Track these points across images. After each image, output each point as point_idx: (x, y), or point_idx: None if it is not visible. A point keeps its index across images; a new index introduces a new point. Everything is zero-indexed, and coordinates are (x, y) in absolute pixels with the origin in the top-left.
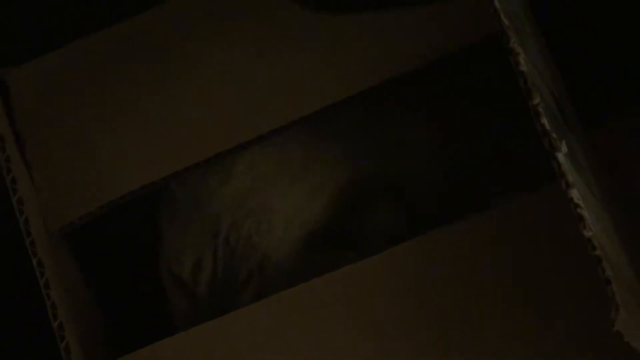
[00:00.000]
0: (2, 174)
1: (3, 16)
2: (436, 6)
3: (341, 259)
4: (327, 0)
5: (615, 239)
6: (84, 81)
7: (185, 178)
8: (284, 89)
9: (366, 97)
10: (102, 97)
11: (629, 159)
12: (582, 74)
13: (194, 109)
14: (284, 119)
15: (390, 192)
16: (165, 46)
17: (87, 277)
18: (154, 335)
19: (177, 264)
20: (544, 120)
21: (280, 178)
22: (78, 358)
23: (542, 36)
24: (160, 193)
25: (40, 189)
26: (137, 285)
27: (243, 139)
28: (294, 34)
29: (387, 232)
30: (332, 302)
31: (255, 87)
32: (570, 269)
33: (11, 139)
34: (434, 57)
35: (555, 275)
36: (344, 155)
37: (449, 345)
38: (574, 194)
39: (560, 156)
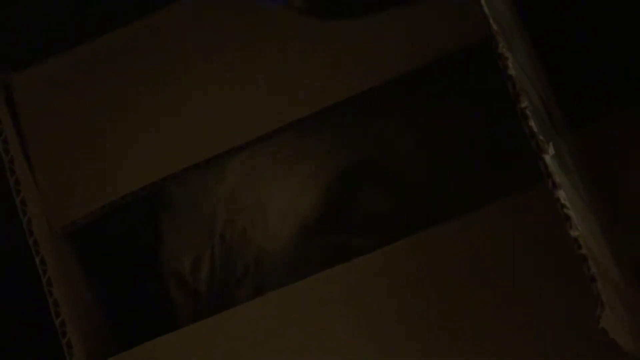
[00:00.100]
0: (6, 175)
1: (7, 20)
2: (436, 7)
3: (337, 244)
4: (325, 7)
5: (602, 240)
6: (86, 84)
7: (183, 179)
8: (281, 91)
9: (363, 97)
10: (103, 100)
11: (615, 160)
12: (570, 77)
13: (193, 111)
14: (281, 120)
15: (380, 176)
16: (166, 50)
17: (89, 275)
18: (155, 332)
19: (177, 262)
20: (532, 123)
21: (273, 173)
22: (80, 354)
23: (530, 40)
24: (159, 193)
25: (43, 190)
26: (139, 283)
27: (240, 140)
28: (292, 37)
29: (380, 213)
30: (331, 299)
31: (254, 89)
32: (562, 267)
33: (15, 140)
34: (434, 58)
35: (550, 273)
36: (335, 148)
37: (447, 344)
38: (561, 194)
39: (547, 158)
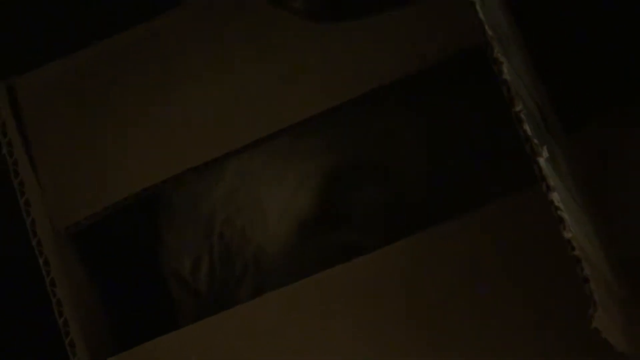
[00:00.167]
0: (11, 177)
1: (12, 25)
2: (436, 10)
3: (335, 241)
4: (325, 9)
5: (595, 242)
6: (88, 87)
7: (183, 181)
8: (280, 93)
9: (362, 99)
10: (105, 103)
11: (609, 162)
12: (565, 81)
13: (192, 114)
14: (280, 123)
15: (378, 174)
16: (166, 54)
17: (91, 275)
18: (156, 332)
19: (177, 263)
20: (526, 127)
21: (270, 173)
22: (82, 353)
23: (525, 45)
24: (160, 195)
25: (46, 191)
26: (140, 284)
27: (239, 143)
28: (292, 40)
29: (378, 210)
30: (331, 299)
31: (252, 92)
32: (561, 267)
33: (19, 143)
34: (434, 59)
35: (549, 273)
36: (332, 146)
37: (447, 344)
38: (555, 197)
39: (542, 161)
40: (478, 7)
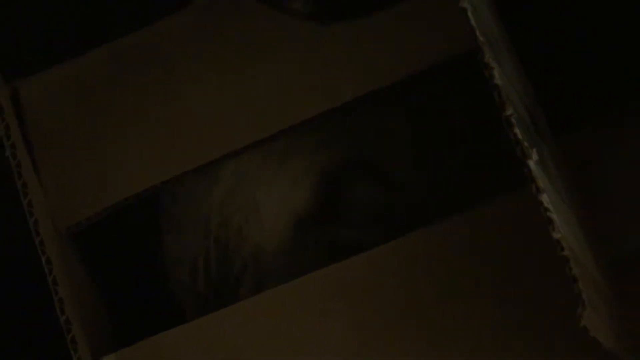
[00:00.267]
0: (14, 179)
1: (15, 29)
2: (433, 13)
3: (330, 236)
4: (325, 10)
5: (584, 242)
6: (89, 91)
7: (181, 182)
8: (275, 98)
9: (358, 101)
10: (106, 106)
11: (596, 164)
12: (554, 86)
13: (191, 117)
14: (274, 127)
15: (370, 170)
16: (166, 59)
17: (92, 274)
18: (157, 329)
19: (177, 265)
20: (517, 130)
21: (264, 173)
22: (84, 350)
23: (515, 50)
24: (159, 197)
25: (48, 192)
26: (140, 283)
27: (234, 146)
28: (287, 45)
29: (369, 205)
30: (330, 297)
31: (248, 96)
32: (549, 267)
33: (22, 146)
34: (432, 61)
35: (545, 272)
36: (325, 144)
37: (443, 342)
38: (544, 198)
39: (531, 163)
40: (470, 14)
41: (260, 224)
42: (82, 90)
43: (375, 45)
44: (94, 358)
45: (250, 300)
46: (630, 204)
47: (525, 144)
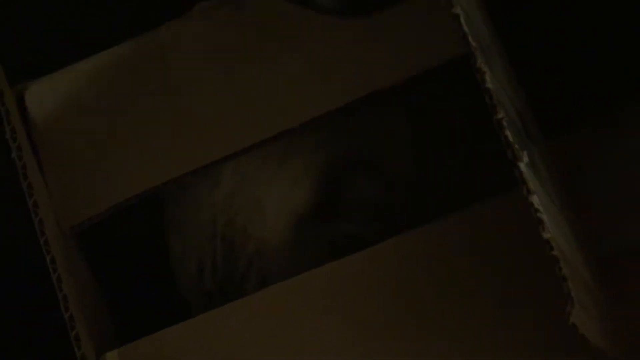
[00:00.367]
0: (20, 180)
1: (21, 33)
2: (438, 11)
3: (329, 231)
4: (346, 5)
5: (573, 242)
6: (93, 94)
7: (183, 184)
8: (274, 100)
9: (357, 103)
10: (109, 108)
11: (584, 166)
12: (544, 89)
13: (193, 119)
14: (273, 129)
15: (367, 167)
16: (168, 62)
17: (96, 273)
18: (160, 327)
19: (184, 266)
20: (507, 133)
21: (264, 174)
22: (87, 346)
23: (507, 54)
24: (162, 197)
25: (53, 193)
26: (143, 281)
27: (236, 147)
28: (286, 48)
29: (367, 199)
30: (330, 294)
31: (248, 99)
32: (549, 267)
33: (28, 147)
34: (430, 63)
35: (528, 272)
36: (323, 143)
37: (441, 339)
38: (534, 199)
39: (522, 165)
40: (462, 20)
41: (263, 222)
42: (86, 94)
43: (375, 46)
44: (97, 355)
45: (252, 298)
46: (619, 205)
47: (516, 146)
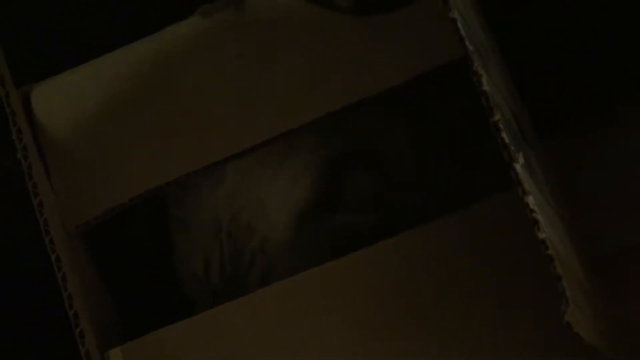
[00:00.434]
0: (25, 180)
1: (27, 36)
2: (438, 13)
3: (330, 224)
4: (361, 3)
5: (568, 242)
6: (97, 95)
7: (186, 184)
8: (274, 102)
9: (357, 104)
10: (113, 109)
11: (578, 166)
12: (539, 91)
13: (195, 120)
14: (273, 130)
15: (367, 161)
16: (171, 65)
17: (100, 271)
18: (164, 324)
19: (190, 264)
20: (504, 135)
21: (266, 172)
22: (91, 343)
23: (503, 58)
24: (165, 197)
25: (58, 193)
26: (147, 279)
27: (238, 148)
28: (286, 51)
29: (369, 192)
30: (330, 294)
31: (251, 99)
32: (539, 267)
33: (33, 148)
34: (430, 65)
35: (524, 271)
36: (321, 141)
37: (444, 342)
38: (530, 200)
39: (518, 167)
40: (459, 24)
41: (267, 218)
42: (90, 95)
43: (375, 48)
44: (101, 351)
45: (254, 296)
46: (614, 204)
47: (512, 148)
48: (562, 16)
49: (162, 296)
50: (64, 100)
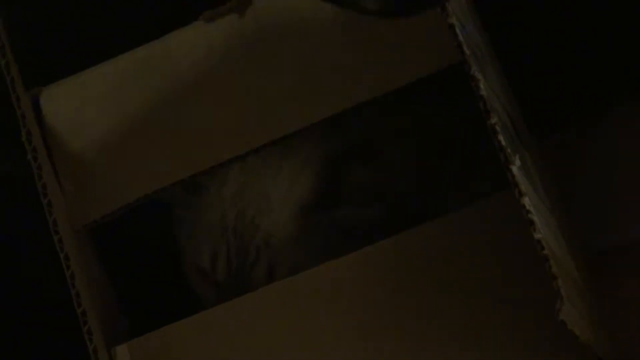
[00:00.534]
0: (35, 181)
1: (37, 40)
2: (430, 28)
3: (330, 217)
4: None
5: (563, 242)
6: (103, 98)
7: (191, 184)
8: (279, 104)
9: (356, 107)
10: (119, 112)
11: (573, 167)
12: (534, 94)
13: (200, 124)
14: (274, 133)
15: (365, 157)
16: (178, 70)
17: (107, 269)
18: (169, 320)
19: (197, 259)
20: (500, 137)
21: (268, 169)
22: (99, 339)
23: (500, 61)
24: (171, 197)
25: (66, 193)
26: (152, 276)
27: (241, 149)
28: (288, 56)
29: (368, 183)
30: (330, 294)
31: (255, 102)
32: (538, 266)
33: (43, 150)
34: (430, 69)
35: (520, 271)
36: (322, 138)
37: (445, 342)
38: (526, 201)
39: (514, 169)
40: (457, 31)
41: (270, 213)
42: (97, 98)
43: (375, 53)
44: (108, 348)
45: (258, 293)
46: (608, 204)
47: (509, 150)
48: (559, 17)
49: (168, 294)
50: (72, 102)
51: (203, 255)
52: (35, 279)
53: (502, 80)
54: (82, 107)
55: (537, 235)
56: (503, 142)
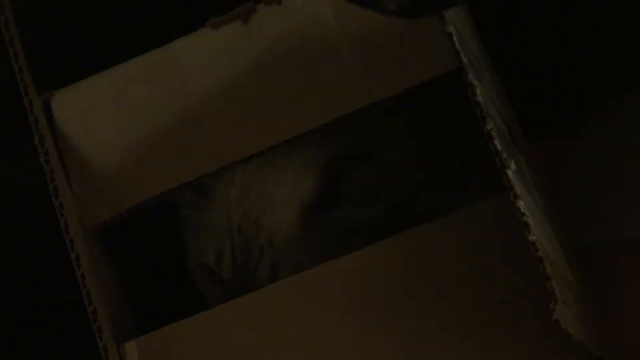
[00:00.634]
0: (47, 183)
1: (47, 45)
2: (428, 35)
3: (332, 217)
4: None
5: (556, 243)
6: (113, 103)
7: (197, 186)
8: (281, 109)
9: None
10: (128, 116)
11: (570, 167)
12: (528, 97)
13: (205, 127)
14: (281, 136)
15: (366, 158)
16: (184, 75)
17: (117, 268)
18: (177, 318)
19: (203, 258)
20: (496, 142)
21: (272, 170)
22: (109, 337)
23: (495, 69)
24: (178, 198)
25: (77, 195)
26: (161, 276)
27: (246, 152)
28: (291, 59)
29: (369, 184)
30: (330, 294)
31: (258, 107)
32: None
33: (54, 153)
34: (430, 74)
35: (516, 272)
36: (324, 140)
37: (445, 341)
38: (521, 204)
39: (510, 172)
40: (455, 39)
41: (273, 214)
42: (107, 102)
43: (376, 59)
44: (117, 345)
45: (262, 292)
46: (601, 204)
47: (504, 154)
48: (554, 18)
49: (174, 292)
50: (82, 106)
51: (209, 255)
52: (40, 279)
53: (498, 87)
54: (92, 111)
55: (531, 237)
56: (499, 147)
